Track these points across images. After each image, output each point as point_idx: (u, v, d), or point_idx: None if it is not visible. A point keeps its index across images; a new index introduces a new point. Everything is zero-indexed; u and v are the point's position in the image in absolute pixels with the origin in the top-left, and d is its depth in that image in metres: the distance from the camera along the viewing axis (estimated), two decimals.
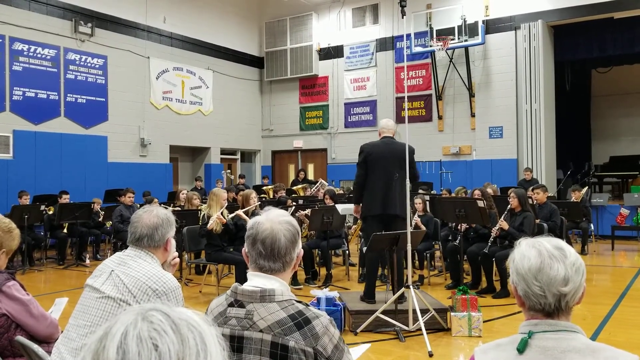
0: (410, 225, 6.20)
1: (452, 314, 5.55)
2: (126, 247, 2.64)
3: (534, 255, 1.58)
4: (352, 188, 6.87)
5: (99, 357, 0.78)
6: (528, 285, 1.57)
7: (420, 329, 5.22)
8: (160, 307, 0.86)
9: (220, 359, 0.84)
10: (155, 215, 2.60)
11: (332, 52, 17.15)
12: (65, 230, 10.69)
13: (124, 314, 0.84)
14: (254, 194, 7.90)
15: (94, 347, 0.80)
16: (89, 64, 13.33)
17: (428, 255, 8.49)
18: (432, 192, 12.49)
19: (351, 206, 8.44)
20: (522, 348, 1.54)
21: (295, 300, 1.89)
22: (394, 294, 5.69)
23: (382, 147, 6.23)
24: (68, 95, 12.90)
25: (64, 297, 3.62)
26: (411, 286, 5.44)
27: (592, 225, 11.71)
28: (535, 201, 8.80)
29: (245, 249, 1.99)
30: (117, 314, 2.45)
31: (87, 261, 10.23)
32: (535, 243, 1.61)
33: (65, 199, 10.60)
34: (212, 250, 7.26)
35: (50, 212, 10.45)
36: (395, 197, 6.07)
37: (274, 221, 1.95)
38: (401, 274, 6.00)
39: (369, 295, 6.17)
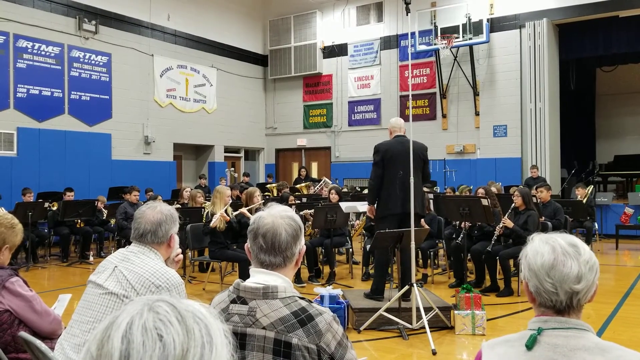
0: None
1: (456, 312, 5.54)
2: (130, 245, 2.64)
3: (548, 251, 1.56)
4: (367, 188, 6.72)
5: (104, 346, 0.78)
6: (540, 281, 1.55)
7: (423, 327, 5.21)
8: (167, 298, 0.85)
9: (225, 351, 0.84)
10: (158, 211, 2.59)
11: (336, 50, 17.13)
12: (80, 225, 10.67)
13: (130, 304, 0.84)
14: (257, 192, 7.88)
15: (99, 336, 0.80)
16: (93, 62, 13.34)
17: (432, 253, 8.47)
18: (436, 190, 12.47)
19: (354, 204, 8.46)
20: (530, 344, 1.52)
21: (299, 297, 1.88)
22: (398, 292, 5.69)
23: (397, 146, 6.15)
24: (72, 92, 12.91)
25: (68, 293, 3.62)
26: (415, 284, 5.43)
27: (596, 224, 11.67)
28: (539, 200, 8.77)
29: (247, 244, 1.98)
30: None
31: (91, 258, 10.24)
32: (549, 239, 1.59)
33: (69, 196, 10.61)
34: (216, 248, 7.26)
35: (54, 208, 10.47)
36: (410, 194, 6.00)
37: (276, 216, 1.94)
38: (405, 272, 6.00)
39: (378, 292, 6.15)
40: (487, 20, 14.19)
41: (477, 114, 14.91)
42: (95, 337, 0.80)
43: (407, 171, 5.92)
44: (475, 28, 14.09)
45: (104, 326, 0.81)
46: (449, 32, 14.27)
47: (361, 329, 5.55)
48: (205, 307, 0.87)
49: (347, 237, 9.06)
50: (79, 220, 10.63)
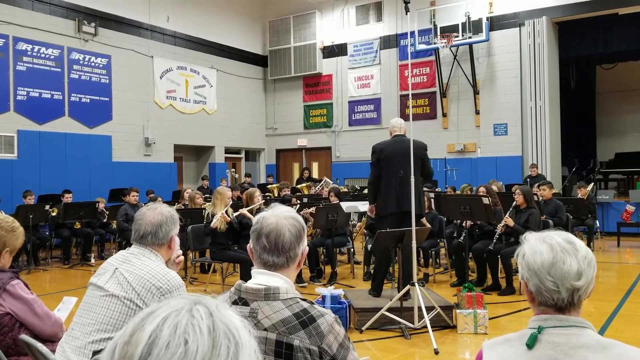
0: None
1: (458, 311, 5.53)
2: (130, 246, 2.63)
3: (546, 249, 1.55)
4: (367, 188, 6.83)
5: (136, 333, 0.78)
6: (541, 280, 1.54)
7: (425, 327, 5.20)
8: (211, 303, 0.83)
9: None
10: (159, 212, 2.59)
11: (335, 50, 17.12)
12: (77, 226, 10.66)
13: (179, 298, 0.83)
14: (257, 192, 7.88)
15: (137, 321, 0.80)
16: (92, 64, 13.33)
17: (433, 252, 8.46)
18: (436, 189, 12.47)
19: (355, 204, 8.47)
20: (531, 343, 1.52)
21: (300, 298, 1.87)
22: (399, 292, 5.69)
23: (393, 145, 6.24)
24: (72, 95, 12.91)
25: (71, 296, 3.61)
26: (416, 284, 5.42)
27: (597, 222, 11.66)
28: (540, 197, 8.76)
29: (250, 244, 1.98)
30: (121, 312, 2.44)
31: (92, 260, 10.24)
32: (546, 237, 1.58)
33: (67, 197, 10.58)
34: (217, 249, 7.26)
35: (54, 214, 10.43)
36: (409, 193, 6.01)
37: (279, 216, 1.94)
38: (407, 272, 5.99)
39: (376, 288, 6.20)
40: (487, 18, 14.18)
41: (477, 112, 14.90)
42: (134, 320, 0.80)
43: (404, 170, 5.98)
44: (474, 27, 14.08)
45: (145, 313, 0.81)
46: (448, 31, 14.25)
47: (363, 328, 5.54)
48: (244, 324, 0.84)
49: (349, 237, 9.06)
50: (79, 223, 10.60)
